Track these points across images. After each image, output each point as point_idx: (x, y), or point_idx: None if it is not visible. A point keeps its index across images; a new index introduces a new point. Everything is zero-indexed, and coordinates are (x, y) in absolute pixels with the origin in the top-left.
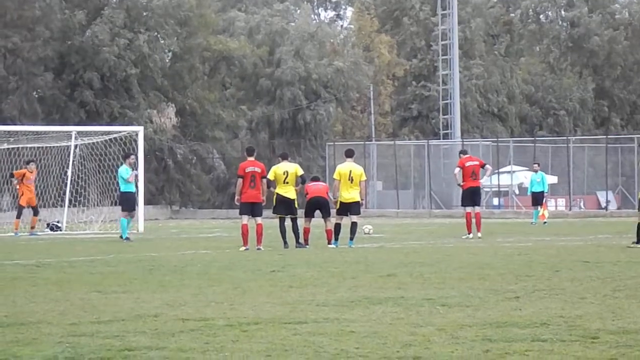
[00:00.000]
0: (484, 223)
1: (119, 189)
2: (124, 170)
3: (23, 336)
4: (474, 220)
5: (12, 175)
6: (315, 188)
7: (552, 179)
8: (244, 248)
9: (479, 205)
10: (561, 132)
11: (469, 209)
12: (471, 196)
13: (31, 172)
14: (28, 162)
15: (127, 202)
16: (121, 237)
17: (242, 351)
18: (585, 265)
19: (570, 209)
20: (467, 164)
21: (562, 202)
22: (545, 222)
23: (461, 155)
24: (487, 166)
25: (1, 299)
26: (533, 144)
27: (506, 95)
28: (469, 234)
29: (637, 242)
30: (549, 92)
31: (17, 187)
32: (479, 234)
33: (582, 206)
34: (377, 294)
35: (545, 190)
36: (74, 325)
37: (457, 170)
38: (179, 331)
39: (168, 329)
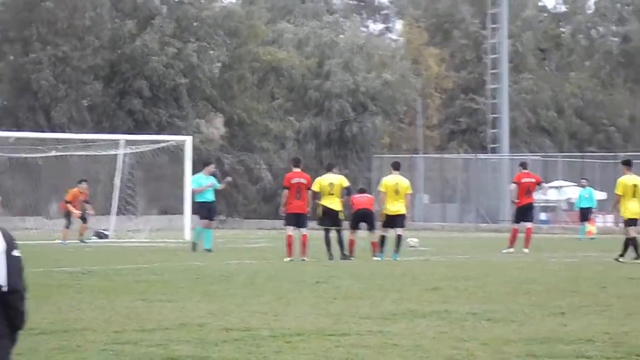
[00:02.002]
0: (532, 238)
1: (196, 197)
2: (201, 179)
3: (67, 343)
4: (521, 235)
5: (67, 202)
6: (362, 200)
7: (601, 195)
8: (288, 259)
9: (530, 221)
10: (611, 148)
11: (516, 225)
12: (525, 213)
13: (82, 193)
14: (80, 181)
15: (207, 211)
16: (193, 246)
17: None
18: (631, 282)
19: (618, 225)
20: (523, 180)
21: (610, 218)
22: (592, 238)
23: (521, 168)
24: (544, 184)
25: (47, 305)
26: (582, 160)
27: (555, 110)
28: (510, 248)
29: (621, 255)
30: (599, 108)
31: (72, 210)
32: (526, 250)
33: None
34: (422, 308)
35: (593, 206)
36: (118, 333)
37: (512, 186)
38: (222, 341)
39: (212, 339)
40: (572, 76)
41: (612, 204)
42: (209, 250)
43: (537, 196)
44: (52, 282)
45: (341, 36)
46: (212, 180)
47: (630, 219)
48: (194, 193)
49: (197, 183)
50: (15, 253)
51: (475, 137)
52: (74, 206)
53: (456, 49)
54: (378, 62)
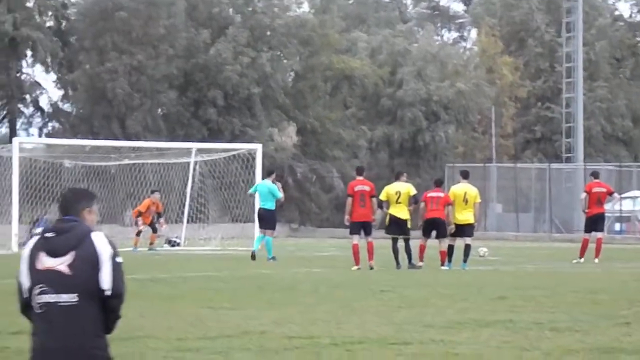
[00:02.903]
0: (604, 249)
1: (263, 205)
2: (274, 187)
3: (129, 350)
4: (592, 245)
5: (139, 215)
6: (434, 203)
7: None
8: (356, 267)
9: (602, 231)
10: None
11: (587, 235)
12: (595, 223)
13: (154, 203)
14: (153, 192)
15: (274, 221)
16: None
17: None
18: None
19: None
20: (594, 190)
21: None
22: None
23: (592, 177)
24: (615, 195)
25: None
26: None
27: (631, 119)
28: (580, 258)
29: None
30: None
31: (139, 224)
32: (597, 260)
33: None
34: (486, 317)
35: None
36: (180, 340)
37: (583, 195)
38: (283, 349)
39: (273, 347)
40: None
41: None
42: (273, 259)
43: (610, 206)
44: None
45: (414, 45)
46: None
47: None
48: (280, 201)
49: (274, 191)
50: (119, 259)
51: (550, 146)
52: (145, 217)
53: (531, 58)
54: (451, 70)
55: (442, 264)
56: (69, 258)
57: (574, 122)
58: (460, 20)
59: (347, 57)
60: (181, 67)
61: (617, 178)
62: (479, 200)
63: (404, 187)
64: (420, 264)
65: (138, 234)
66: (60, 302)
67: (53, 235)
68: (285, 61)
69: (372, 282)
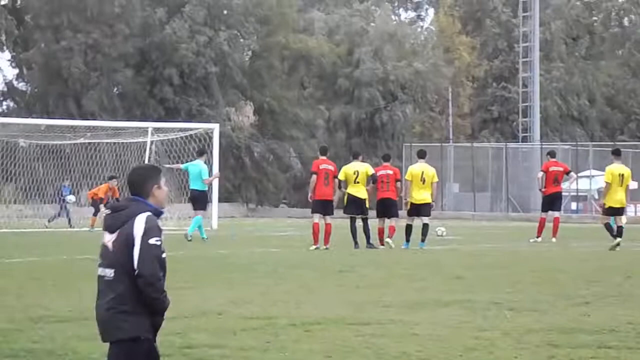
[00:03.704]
0: (561, 227)
1: (194, 185)
2: (205, 169)
3: (85, 331)
4: (549, 225)
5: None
6: (384, 183)
7: (632, 185)
8: (314, 247)
9: (558, 210)
10: None
11: (544, 214)
12: (552, 202)
13: (111, 189)
14: (111, 178)
15: (205, 200)
16: (186, 236)
17: (302, 351)
18: None
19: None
20: (551, 169)
21: None
22: (621, 227)
23: (548, 156)
24: (572, 174)
25: (68, 293)
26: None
27: (587, 98)
28: (537, 237)
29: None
30: (630, 97)
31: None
32: (554, 239)
33: None
34: (445, 297)
35: None
36: None
37: (540, 174)
38: (241, 329)
39: (231, 327)
40: (603, 65)
41: (602, 193)
42: (189, 238)
43: (566, 186)
44: (75, 270)
45: (372, 24)
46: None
47: (612, 207)
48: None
49: (205, 172)
50: (151, 241)
51: (507, 125)
52: (104, 202)
53: (488, 38)
54: (409, 50)
55: (389, 237)
56: (115, 236)
57: (530, 102)
58: (418, 0)
59: (305, 36)
60: (137, 46)
61: (574, 157)
62: (436, 179)
63: (362, 167)
64: (381, 247)
65: (95, 214)
66: (104, 275)
67: (110, 213)
68: (242, 40)
69: (330, 262)
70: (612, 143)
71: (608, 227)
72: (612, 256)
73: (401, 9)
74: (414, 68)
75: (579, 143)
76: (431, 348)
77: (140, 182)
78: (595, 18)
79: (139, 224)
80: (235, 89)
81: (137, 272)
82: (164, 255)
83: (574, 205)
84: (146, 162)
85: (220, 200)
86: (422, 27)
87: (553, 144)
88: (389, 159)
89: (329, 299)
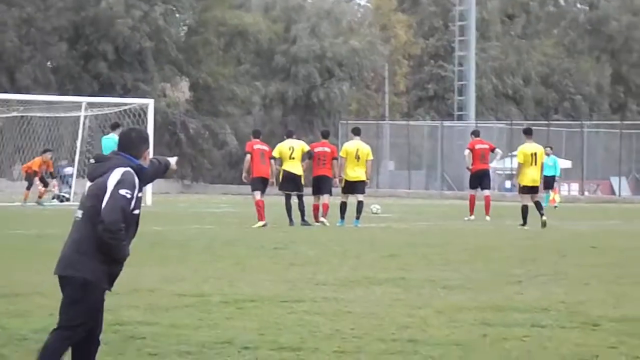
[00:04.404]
0: (494, 206)
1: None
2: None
3: (15, 308)
4: (481, 203)
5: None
6: (320, 160)
7: (566, 164)
8: (261, 223)
9: (488, 188)
10: (577, 117)
11: (472, 192)
12: (480, 179)
13: (45, 162)
14: (45, 151)
15: None
16: None
17: (235, 328)
18: (592, 251)
19: (583, 194)
20: (477, 146)
21: (575, 186)
22: (555, 206)
23: (473, 136)
24: (497, 150)
25: None
26: (547, 128)
27: (522, 77)
28: (470, 215)
29: (523, 225)
30: (565, 76)
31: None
32: (488, 217)
33: (599, 192)
34: (379, 275)
35: (557, 175)
36: None
37: (466, 152)
38: (173, 307)
39: (163, 304)
40: (538, 43)
41: (516, 173)
42: None
43: (494, 164)
44: (7, 245)
45: (308, 1)
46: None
47: (526, 186)
48: None
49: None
50: (122, 192)
51: (442, 104)
52: (38, 176)
53: (424, 16)
54: (346, 27)
55: (322, 217)
56: (92, 184)
57: (466, 81)
58: None
59: (241, 12)
60: (71, 20)
61: (509, 136)
62: (371, 157)
63: (297, 144)
64: (316, 224)
65: (28, 187)
66: (76, 216)
67: (93, 162)
68: (178, 15)
69: (265, 239)
70: (546, 122)
71: (525, 209)
72: (546, 235)
73: None
74: (351, 45)
75: (513, 122)
76: (365, 326)
77: (139, 142)
78: None
79: (115, 175)
80: (170, 65)
81: (101, 218)
82: (136, 211)
83: (508, 184)
84: (79, 136)
85: None
86: (359, 4)
87: (488, 122)
88: (327, 135)
89: (262, 277)
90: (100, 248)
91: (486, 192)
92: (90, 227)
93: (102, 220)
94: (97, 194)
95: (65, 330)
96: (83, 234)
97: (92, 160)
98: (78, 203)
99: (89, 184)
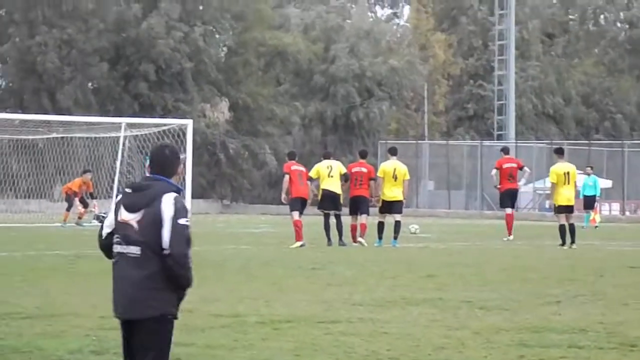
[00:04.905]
0: (535, 226)
1: None
2: None
3: (51, 328)
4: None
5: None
6: (357, 180)
7: (606, 183)
8: (299, 243)
9: (512, 207)
10: (618, 136)
11: (508, 211)
12: (510, 198)
13: (85, 183)
14: (85, 172)
15: None
16: None
17: (270, 349)
18: (631, 271)
19: (623, 214)
20: (505, 165)
21: (616, 206)
22: (596, 226)
23: (502, 153)
24: (526, 169)
25: (36, 289)
26: (588, 147)
27: (562, 97)
28: (509, 236)
29: (562, 244)
30: (605, 95)
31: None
32: (510, 237)
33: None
34: (415, 295)
35: (598, 194)
36: (103, 318)
37: (494, 171)
38: (209, 327)
39: (199, 325)
40: (578, 63)
41: (550, 193)
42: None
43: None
44: (44, 266)
45: (348, 21)
46: None
47: (561, 206)
48: None
49: None
50: (181, 221)
51: (482, 123)
52: (78, 196)
53: (464, 36)
54: (385, 47)
55: (359, 237)
56: (139, 215)
57: (505, 100)
58: None
59: (281, 33)
60: (112, 41)
61: (549, 156)
62: (408, 177)
63: (335, 163)
64: (354, 244)
65: (68, 208)
66: (127, 253)
67: (130, 192)
68: (218, 36)
69: (302, 259)
70: (587, 142)
71: (562, 229)
72: (585, 255)
73: (377, 6)
74: (390, 65)
75: (553, 141)
76: (400, 347)
77: (173, 159)
78: (571, 16)
79: (168, 204)
80: (210, 85)
81: (167, 251)
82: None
83: (547, 204)
84: (119, 157)
85: (194, 196)
86: (398, 24)
87: (528, 142)
88: (365, 155)
89: (299, 297)
90: (170, 279)
91: (508, 210)
92: (156, 261)
93: (170, 254)
94: (153, 226)
95: None
96: (151, 269)
97: (127, 190)
98: (96, 223)
99: (127, 214)
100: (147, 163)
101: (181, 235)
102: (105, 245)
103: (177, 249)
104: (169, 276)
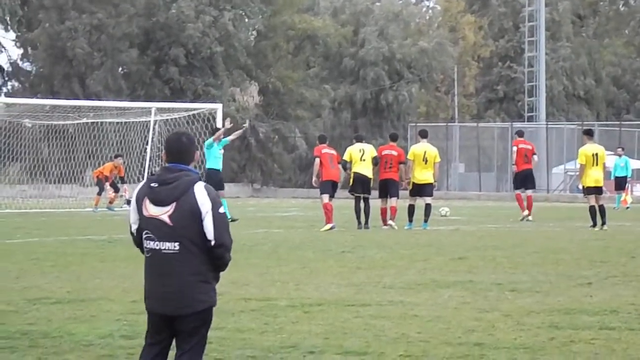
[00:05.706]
0: (567, 208)
1: (209, 164)
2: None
3: (82, 313)
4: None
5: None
6: (387, 163)
7: (637, 164)
8: (329, 226)
9: (533, 188)
10: None
11: (519, 191)
12: (524, 179)
13: (116, 167)
14: (116, 156)
15: (221, 180)
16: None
17: (300, 333)
18: None
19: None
20: (520, 145)
21: None
22: (627, 207)
23: (516, 136)
24: (535, 157)
25: (67, 274)
26: (619, 128)
27: (593, 78)
28: (526, 213)
29: (593, 226)
30: (636, 76)
31: (110, 188)
32: (530, 217)
33: None
34: (446, 278)
35: (629, 175)
36: (134, 302)
37: (514, 148)
38: (239, 311)
39: (229, 309)
40: (608, 43)
41: (578, 174)
42: (234, 220)
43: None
44: (75, 251)
45: (377, 4)
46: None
47: (590, 187)
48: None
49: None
50: (220, 210)
51: (512, 105)
52: (109, 181)
53: (494, 17)
54: (414, 29)
55: (390, 220)
56: (171, 208)
57: (536, 82)
58: None
59: (310, 16)
60: (142, 26)
61: (579, 137)
62: (438, 159)
63: (367, 147)
64: (384, 227)
65: (99, 193)
66: (163, 249)
67: (157, 185)
68: (247, 20)
69: (332, 243)
70: (618, 122)
71: (592, 210)
72: (617, 237)
73: None
74: (420, 47)
75: (584, 122)
76: (431, 329)
77: (190, 147)
78: None
79: (202, 195)
80: (240, 69)
81: (214, 242)
82: None
83: (580, 185)
84: (149, 142)
85: (225, 180)
86: (427, 6)
87: (559, 123)
88: (396, 138)
89: (329, 280)
90: (216, 268)
91: (529, 192)
92: (197, 253)
93: (219, 244)
94: (191, 219)
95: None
96: (193, 263)
97: (152, 185)
98: (127, 207)
99: (156, 209)
100: (163, 152)
101: (225, 223)
102: (139, 242)
103: (224, 239)
104: (216, 265)
